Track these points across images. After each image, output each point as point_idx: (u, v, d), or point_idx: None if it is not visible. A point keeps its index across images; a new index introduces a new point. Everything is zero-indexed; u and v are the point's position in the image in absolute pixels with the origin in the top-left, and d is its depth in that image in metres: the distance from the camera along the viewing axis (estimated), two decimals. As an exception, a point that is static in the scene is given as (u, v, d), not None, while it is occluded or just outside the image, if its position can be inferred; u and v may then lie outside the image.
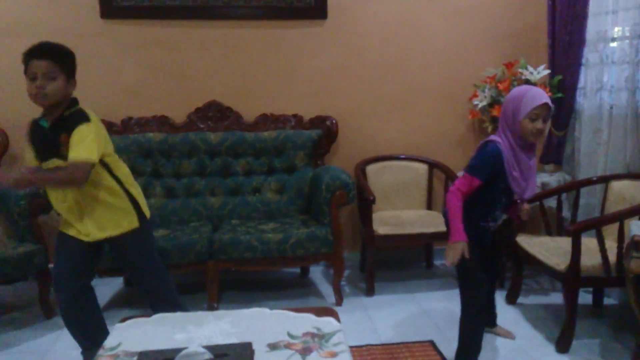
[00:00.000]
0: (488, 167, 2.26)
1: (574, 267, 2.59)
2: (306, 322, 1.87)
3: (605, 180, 3.21)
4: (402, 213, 3.74)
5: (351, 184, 3.26)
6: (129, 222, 2.37)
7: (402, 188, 3.86)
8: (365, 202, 3.44)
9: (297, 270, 3.84)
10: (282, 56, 3.81)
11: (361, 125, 3.92)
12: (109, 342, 1.78)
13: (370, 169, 3.85)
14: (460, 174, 2.59)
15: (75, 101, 2.28)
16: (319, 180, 3.34)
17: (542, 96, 2.22)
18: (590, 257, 2.67)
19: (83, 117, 2.20)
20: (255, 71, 3.80)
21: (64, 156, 2.15)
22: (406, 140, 3.97)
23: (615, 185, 3.11)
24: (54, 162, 2.20)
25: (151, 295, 2.54)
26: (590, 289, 3.20)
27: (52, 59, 2.16)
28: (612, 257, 2.62)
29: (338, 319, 1.89)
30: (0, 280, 2.92)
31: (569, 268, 2.60)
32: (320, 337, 1.75)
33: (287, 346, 1.70)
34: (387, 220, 3.54)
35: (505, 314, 3.08)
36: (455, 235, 2.25)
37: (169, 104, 3.72)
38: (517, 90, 2.34)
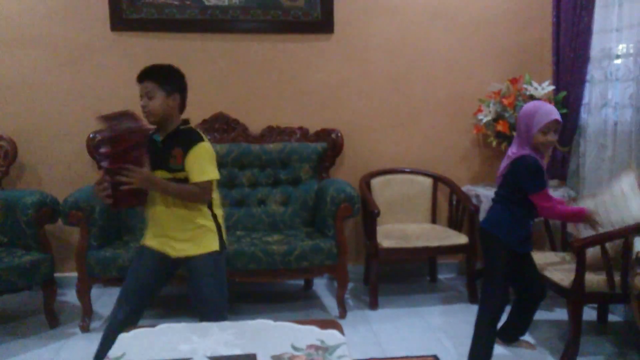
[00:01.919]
0: (542, 173, 2.45)
1: (579, 283, 2.58)
2: (310, 334, 1.86)
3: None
4: (406, 226, 3.74)
5: (356, 197, 3.28)
6: (210, 244, 2.36)
7: (406, 201, 3.87)
8: (369, 215, 3.45)
9: (301, 282, 3.84)
10: (289, 69, 3.84)
11: (366, 139, 3.94)
12: (113, 352, 1.78)
13: (375, 182, 3.86)
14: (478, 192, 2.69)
15: (186, 121, 2.38)
16: (324, 193, 3.35)
17: (554, 112, 2.42)
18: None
19: (198, 135, 2.32)
20: (261, 84, 3.83)
21: (171, 169, 2.27)
22: (411, 154, 3.99)
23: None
24: (160, 173, 2.27)
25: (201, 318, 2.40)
26: (595, 305, 3.19)
27: (150, 79, 2.29)
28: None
29: (342, 332, 1.89)
30: (6, 289, 2.93)
31: (573, 284, 2.60)
32: (324, 350, 1.75)
33: (291, 358, 1.70)
34: (392, 234, 3.55)
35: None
36: (578, 214, 2.57)
37: (176, 116, 3.74)
38: (531, 105, 2.51)
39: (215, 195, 2.41)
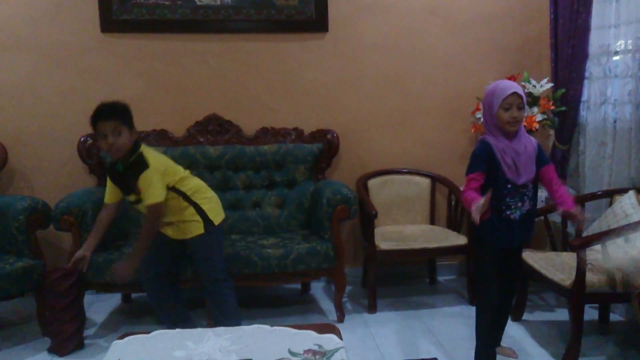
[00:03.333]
0: (480, 161, 2.37)
1: (579, 283, 2.55)
2: (307, 339, 1.83)
3: (610, 194, 3.18)
4: (404, 228, 3.70)
5: (353, 199, 3.23)
6: (195, 229, 2.74)
7: (404, 202, 3.83)
8: (367, 216, 3.41)
9: (298, 286, 3.80)
10: (283, 69, 3.80)
11: (362, 139, 3.90)
12: (107, 358, 1.75)
13: (372, 183, 3.82)
14: None
15: (137, 145, 2.63)
16: (320, 195, 3.31)
17: (511, 86, 2.34)
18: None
19: (144, 164, 2.57)
20: (255, 85, 3.79)
21: (136, 192, 2.62)
22: (408, 154, 3.95)
23: (620, 199, 3.08)
24: (133, 197, 2.65)
25: (206, 298, 2.94)
26: (596, 305, 3.16)
27: (114, 117, 2.52)
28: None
29: (340, 336, 1.86)
30: (-2, 296, 2.89)
31: (574, 284, 2.57)
32: (322, 355, 1.71)
33: (288, 364, 1.66)
34: (390, 235, 3.51)
35: (510, 330, 3.03)
36: (471, 202, 2.26)
37: (169, 118, 3.71)
38: (491, 85, 2.44)
39: (192, 185, 2.76)
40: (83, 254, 2.77)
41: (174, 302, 2.93)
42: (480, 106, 2.56)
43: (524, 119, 2.59)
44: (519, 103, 2.32)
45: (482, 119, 3.62)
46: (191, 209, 2.73)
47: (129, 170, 2.60)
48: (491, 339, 2.56)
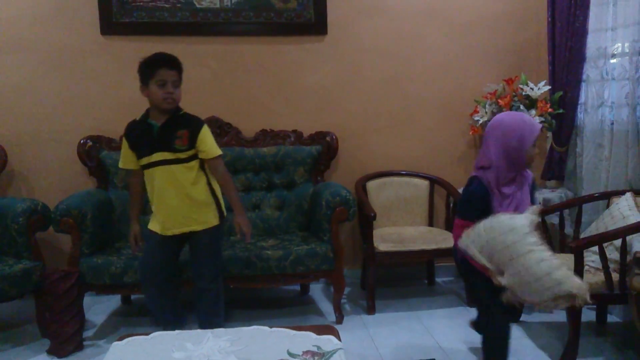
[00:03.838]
0: (475, 206, 2.21)
1: (577, 284, 2.56)
2: (306, 340, 1.84)
3: (607, 196, 3.19)
4: (403, 229, 3.71)
5: (351, 201, 3.24)
6: (211, 219, 2.68)
7: (403, 204, 3.84)
8: (365, 218, 3.42)
9: (297, 287, 3.81)
10: (282, 72, 3.81)
11: (361, 141, 3.91)
12: (106, 359, 1.76)
13: (371, 185, 3.83)
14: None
15: (179, 107, 2.63)
16: (319, 197, 3.32)
17: (536, 123, 2.29)
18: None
19: (199, 119, 2.63)
20: (254, 87, 3.80)
21: (175, 149, 2.53)
22: (407, 156, 3.96)
23: (617, 201, 3.09)
24: (161, 155, 2.54)
25: (201, 296, 2.77)
26: (594, 306, 3.17)
27: (177, 69, 2.55)
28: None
29: (338, 337, 1.86)
30: (-3, 298, 2.89)
31: (572, 285, 2.57)
32: (321, 356, 1.72)
33: (287, 365, 1.67)
34: (388, 237, 3.51)
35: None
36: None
37: (169, 120, 3.71)
38: (516, 117, 2.29)
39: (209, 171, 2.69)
40: (136, 229, 2.77)
41: (172, 304, 2.81)
42: (488, 135, 2.27)
43: None
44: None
45: (479, 122, 3.66)
46: (210, 196, 2.67)
47: (173, 125, 2.54)
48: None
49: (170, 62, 2.53)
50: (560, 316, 3.21)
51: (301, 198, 3.59)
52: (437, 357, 2.79)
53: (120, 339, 1.93)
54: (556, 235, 3.28)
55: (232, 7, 3.68)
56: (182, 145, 2.53)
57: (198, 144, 2.55)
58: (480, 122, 3.66)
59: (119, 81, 3.68)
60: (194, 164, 2.59)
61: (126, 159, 2.69)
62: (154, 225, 2.68)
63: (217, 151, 2.61)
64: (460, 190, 3.59)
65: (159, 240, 2.67)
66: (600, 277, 2.62)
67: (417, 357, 2.80)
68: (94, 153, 3.53)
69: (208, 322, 2.69)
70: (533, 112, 3.52)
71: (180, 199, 2.58)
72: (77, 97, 3.65)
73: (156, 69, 2.50)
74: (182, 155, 2.55)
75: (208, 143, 2.58)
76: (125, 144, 2.66)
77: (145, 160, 2.59)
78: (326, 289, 3.82)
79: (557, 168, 3.69)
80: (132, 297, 3.66)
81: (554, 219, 3.33)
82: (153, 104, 2.56)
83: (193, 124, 2.57)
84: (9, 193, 3.62)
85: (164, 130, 2.54)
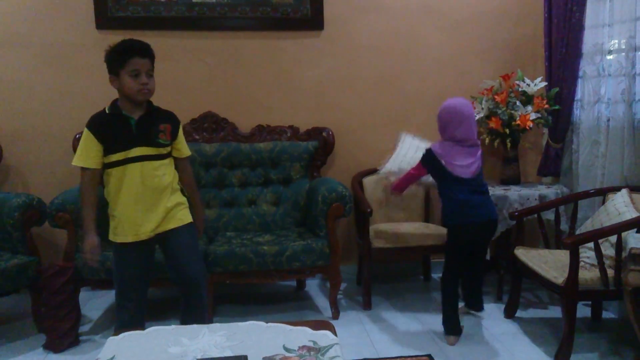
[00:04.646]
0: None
1: (572, 281, 2.57)
2: (302, 335, 1.84)
3: (602, 192, 3.20)
4: (399, 225, 3.71)
5: (348, 196, 3.24)
6: (186, 216, 2.50)
7: (399, 200, 3.84)
8: (361, 214, 3.42)
9: (293, 283, 3.81)
10: (278, 67, 3.81)
11: (358, 137, 3.91)
12: (103, 355, 1.75)
13: (367, 180, 3.83)
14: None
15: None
16: (315, 192, 3.32)
17: None
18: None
19: (173, 114, 2.52)
20: (251, 82, 3.80)
21: (158, 144, 2.37)
22: (403, 152, 3.95)
23: (613, 197, 3.10)
24: (140, 150, 2.34)
25: (187, 292, 2.55)
26: (589, 303, 3.18)
27: (150, 57, 2.34)
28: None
29: (334, 333, 1.86)
30: (-7, 293, 2.88)
31: (567, 281, 2.58)
32: (317, 351, 1.72)
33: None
34: (384, 233, 3.51)
35: (504, 327, 3.06)
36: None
37: (165, 115, 3.70)
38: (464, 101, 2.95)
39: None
40: (96, 241, 2.43)
41: (142, 310, 2.59)
42: (473, 117, 2.94)
43: None
44: None
45: (476, 118, 3.66)
46: (183, 196, 2.52)
47: (152, 118, 2.38)
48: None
49: (143, 50, 2.32)
50: (555, 312, 3.22)
51: (297, 194, 3.59)
52: (433, 352, 2.80)
53: (116, 334, 1.92)
54: (552, 232, 3.29)
55: (228, 1, 3.67)
56: (165, 139, 2.40)
57: (177, 140, 2.47)
58: (476, 118, 3.65)
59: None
60: (171, 160, 2.47)
61: (90, 156, 2.36)
62: (122, 236, 2.42)
63: (189, 151, 2.55)
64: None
65: (132, 250, 2.43)
66: (595, 273, 2.63)
67: (413, 353, 2.80)
68: (89, 148, 3.52)
69: (197, 318, 2.48)
70: (529, 108, 3.52)
71: (155, 197, 2.38)
72: (72, 92, 3.64)
73: (128, 58, 2.29)
74: (164, 151, 2.41)
75: (183, 141, 2.51)
76: (90, 139, 2.34)
77: (119, 156, 2.34)
78: (322, 284, 3.82)
79: (553, 164, 3.69)
80: (128, 292, 3.65)
81: (549, 215, 3.34)
82: (124, 95, 2.35)
83: (173, 119, 2.48)
84: (5, 188, 3.61)
85: (143, 124, 2.36)
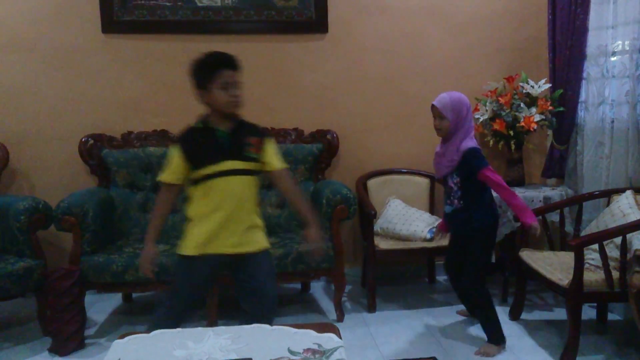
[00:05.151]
0: None
1: (577, 282, 2.56)
2: (307, 338, 1.84)
3: (607, 194, 3.19)
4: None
5: (352, 199, 3.25)
6: (264, 240, 2.38)
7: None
8: (366, 216, 3.42)
9: (298, 285, 3.82)
10: (283, 70, 3.82)
11: (362, 139, 3.91)
12: (108, 358, 1.76)
13: (372, 183, 3.83)
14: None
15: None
16: (320, 195, 3.32)
17: None
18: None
19: (262, 128, 2.42)
20: (255, 85, 3.80)
21: (247, 157, 2.26)
22: (407, 155, 3.96)
23: (617, 199, 3.09)
24: (232, 164, 2.24)
25: (259, 311, 2.36)
26: (594, 304, 3.17)
27: (238, 69, 2.28)
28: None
29: (339, 335, 1.86)
30: (-1, 296, 2.90)
31: (571, 283, 2.58)
32: (321, 354, 1.72)
33: (288, 363, 1.68)
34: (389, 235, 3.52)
35: (509, 329, 3.05)
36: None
37: (169, 118, 3.72)
38: (461, 94, 2.86)
39: None
40: (155, 251, 2.33)
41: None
42: (467, 110, 2.79)
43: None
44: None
45: (480, 120, 3.67)
46: (260, 218, 2.37)
47: (241, 132, 2.28)
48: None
49: (231, 62, 2.26)
50: (560, 314, 3.21)
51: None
52: (438, 355, 2.80)
53: (122, 337, 1.93)
54: (557, 233, 3.29)
55: (233, 5, 3.68)
56: (255, 153, 2.28)
57: (265, 154, 2.31)
58: (480, 120, 3.66)
59: (120, 79, 3.69)
60: (258, 178, 2.33)
61: (176, 171, 2.26)
62: (194, 248, 2.28)
63: (283, 163, 2.38)
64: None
65: (204, 264, 2.29)
66: (600, 275, 2.62)
67: (418, 355, 2.80)
68: (95, 151, 3.54)
69: None
70: (534, 110, 3.52)
71: (240, 215, 2.27)
72: (78, 96, 3.66)
73: (218, 71, 2.22)
74: (252, 166, 2.28)
75: (274, 153, 2.35)
76: (176, 155, 2.26)
77: (209, 170, 2.22)
78: (327, 287, 3.82)
79: (558, 166, 3.69)
80: (133, 295, 3.67)
81: (554, 217, 3.33)
82: (214, 109, 2.26)
83: (261, 132, 2.36)
84: (11, 191, 3.62)
85: (233, 137, 2.26)
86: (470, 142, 2.69)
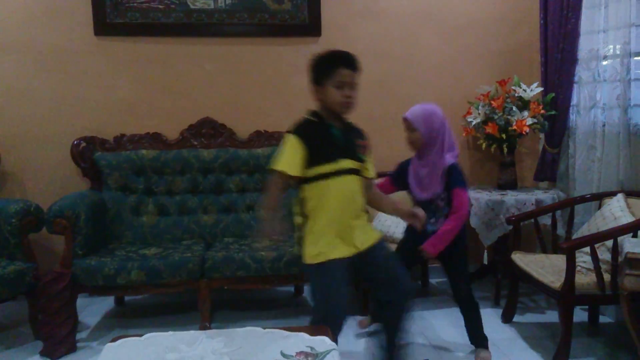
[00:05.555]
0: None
1: (569, 285, 2.58)
2: (300, 341, 1.84)
3: (599, 197, 3.21)
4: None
5: (345, 202, 3.24)
6: (377, 231, 2.40)
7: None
8: (359, 219, 3.41)
9: (291, 288, 3.81)
10: (276, 73, 3.82)
11: (355, 143, 3.91)
12: (99, 362, 1.75)
13: (364, 186, 3.82)
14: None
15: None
16: (313, 198, 3.31)
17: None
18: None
19: (362, 131, 2.39)
20: (249, 88, 3.81)
21: (358, 157, 2.26)
22: (400, 157, 3.93)
23: (609, 202, 3.11)
24: (348, 163, 2.21)
25: (398, 301, 2.36)
26: (586, 307, 3.19)
27: (356, 69, 2.25)
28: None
29: (332, 338, 1.86)
30: (-10, 300, 2.88)
31: (563, 286, 2.59)
32: (314, 357, 1.72)
33: (280, 366, 1.67)
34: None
35: (501, 332, 3.06)
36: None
37: (162, 121, 3.71)
38: (436, 108, 2.81)
39: None
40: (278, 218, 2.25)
41: None
42: (440, 123, 2.74)
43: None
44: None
45: (472, 124, 3.68)
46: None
47: (350, 132, 2.28)
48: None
49: (350, 62, 2.23)
50: (552, 316, 3.23)
51: (295, 199, 3.59)
52: (431, 357, 2.80)
53: (114, 340, 1.92)
54: (548, 236, 3.30)
55: (226, 8, 3.68)
56: (364, 155, 2.28)
57: (368, 159, 2.32)
58: (473, 123, 3.67)
59: (113, 82, 3.68)
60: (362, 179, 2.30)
61: (295, 162, 2.18)
62: (337, 250, 2.20)
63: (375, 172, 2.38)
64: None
65: (339, 266, 2.21)
66: (592, 277, 2.63)
67: (410, 358, 2.80)
68: (87, 154, 3.53)
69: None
70: (526, 113, 3.54)
71: (357, 214, 2.25)
72: (70, 98, 3.65)
73: (336, 69, 2.19)
74: (360, 167, 2.26)
75: (372, 160, 2.35)
76: (297, 144, 2.18)
77: (327, 168, 2.17)
78: (320, 290, 3.81)
79: (550, 169, 3.71)
80: (126, 298, 3.65)
81: (546, 219, 3.34)
82: (326, 106, 2.23)
83: (366, 136, 2.36)
84: (2, 194, 3.61)
85: (346, 136, 2.25)
86: (451, 158, 2.67)
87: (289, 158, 2.19)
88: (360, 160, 2.26)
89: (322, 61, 2.24)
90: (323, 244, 2.20)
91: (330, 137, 2.21)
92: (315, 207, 2.22)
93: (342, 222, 2.21)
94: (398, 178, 2.90)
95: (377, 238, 2.31)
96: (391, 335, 2.41)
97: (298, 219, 2.30)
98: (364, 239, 2.24)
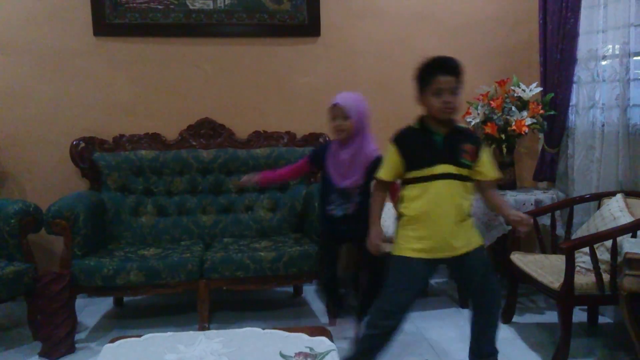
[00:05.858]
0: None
1: (568, 285, 2.58)
2: (299, 341, 1.84)
3: (598, 197, 3.21)
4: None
5: (344, 202, 3.24)
6: (478, 239, 2.38)
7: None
8: (358, 219, 3.41)
9: (290, 289, 3.81)
10: (275, 73, 3.82)
11: (354, 143, 3.91)
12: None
13: (364, 186, 3.83)
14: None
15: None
16: (312, 198, 3.32)
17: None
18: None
19: (477, 136, 2.44)
20: (248, 88, 3.81)
21: (461, 163, 2.25)
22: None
23: (608, 202, 3.11)
24: (444, 167, 2.24)
25: (487, 304, 2.41)
26: (585, 307, 3.18)
27: (458, 75, 2.27)
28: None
29: (331, 339, 1.87)
30: (-12, 301, 2.88)
31: (563, 286, 2.59)
32: (313, 357, 1.73)
33: (279, 367, 1.67)
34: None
35: (500, 333, 3.04)
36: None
37: (161, 122, 3.71)
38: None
39: None
40: (381, 231, 2.42)
41: None
42: (367, 111, 2.85)
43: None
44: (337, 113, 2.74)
45: (472, 124, 3.68)
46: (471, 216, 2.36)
47: (456, 137, 2.28)
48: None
49: (446, 67, 2.26)
50: (551, 317, 3.22)
51: (294, 199, 3.60)
52: (430, 358, 2.80)
53: (112, 341, 1.93)
54: (547, 236, 3.30)
55: (225, 8, 3.68)
56: (468, 160, 2.27)
57: (479, 163, 2.30)
58: (472, 123, 3.67)
59: (112, 82, 3.68)
60: (471, 185, 2.31)
61: (393, 170, 2.33)
62: (415, 250, 2.29)
63: (497, 173, 2.38)
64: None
65: (418, 266, 2.29)
66: (591, 278, 2.63)
67: (409, 358, 2.80)
68: (86, 154, 3.52)
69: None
70: (525, 113, 3.53)
71: (452, 218, 2.26)
72: (69, 99, 3.65)
73: (433, 76, 2.25)
74: (465, 172, 2.26)
75: (488, 163, 2.34)
76: (393, 153, 2.31)
77: (423, 172, 2.25)
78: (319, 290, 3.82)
79: (549, 169, 3.71)
80: (125, 299, 3.65)
81: (545, 220, 3.34)
82: (430, 113, 2.29)
83: (476, 140, 2.34)
84: (1, 195, 3.60)
85: (449, 142, 2.27)
86: (374, 146, 2.73)
87: (386, 165, 2.36)
88: (464, 165, 2.26)
89: (423, 69, 2.31)
90: (408, 240, 2.29)
91: (430, 143, 2.27)
92: (408, 206, 2.30)
93: (436, 224, 2.26)
94: (316, 158, 2.89)
95: (478, 244, 2.34)
96: (478, 340, 2.46)
97: (397, 213, 2.39)
98: (463, 244, 2.28)
